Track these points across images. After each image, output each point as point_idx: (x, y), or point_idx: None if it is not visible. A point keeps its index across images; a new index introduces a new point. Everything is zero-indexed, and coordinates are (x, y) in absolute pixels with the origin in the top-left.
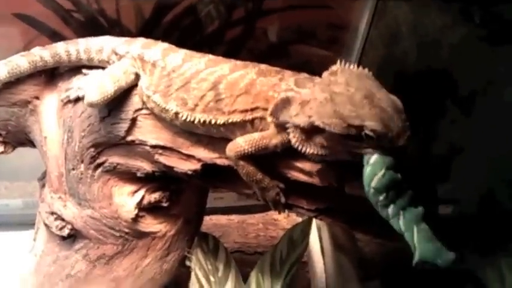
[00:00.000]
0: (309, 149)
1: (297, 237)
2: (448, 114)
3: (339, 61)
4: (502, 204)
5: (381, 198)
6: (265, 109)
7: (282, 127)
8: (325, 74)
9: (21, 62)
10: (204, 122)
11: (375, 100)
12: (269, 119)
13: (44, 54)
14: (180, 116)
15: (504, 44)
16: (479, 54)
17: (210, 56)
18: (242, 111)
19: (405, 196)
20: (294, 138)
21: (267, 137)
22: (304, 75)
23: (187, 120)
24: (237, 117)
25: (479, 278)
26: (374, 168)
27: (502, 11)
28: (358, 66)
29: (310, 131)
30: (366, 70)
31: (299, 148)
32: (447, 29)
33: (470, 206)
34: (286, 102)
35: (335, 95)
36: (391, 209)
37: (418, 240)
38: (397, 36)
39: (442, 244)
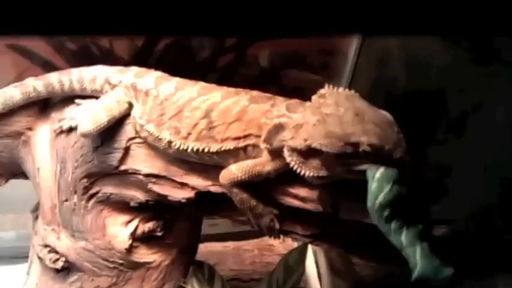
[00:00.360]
0: (308, 172)
1: (293, 263)
2: (439, 136)
3: (326, 85)
4: (495, 223)
5: (386, 213)
6: (258, 136)
7: (275, 153)
8: (314, 98)
9: (14, 93)
10: (198, 150)
11: (366, 117)
12: (263, 145)
13: (37, 85)
14: (173, 144)
15: (490, 64)
16: (467, 76)
17: (202, 84)
18: (235, 139)
19: (408, 212)
20: (293, 161)
21: (260, 164)
22: (295, 100)
23: (181, 148)
24: (230, 145)
25: None
26: (380, 183)
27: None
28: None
29: (307, 154)
30: (353, 91)
31: (298, 171)
32: (436, 52)
33: (464, 226)
34: (279, 128)
35: (327, 116)
36: (393, 224)
37: (420, 256)
38: (386, 60)
39: (439, 261)
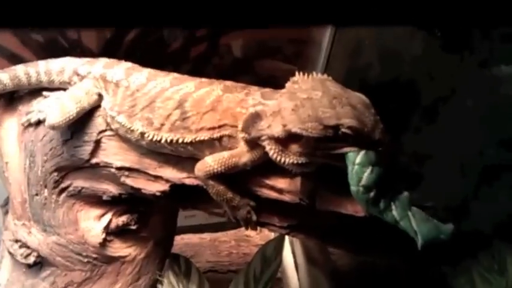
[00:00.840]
0: (288, 159)
1: (270, 254)
2: (412, 124)
3: (297, 72)
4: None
5: (371, 195)
6: (233, 126)
7: (253, 143)
8: (288, 84)
9: None
10: (171, 141)
11: (344, 100)
12: (241, 135)
13: (2, 77)
14: (146, 136)
15: (460, 51)
16: (439, 64)
17: (175, 75)
18: (209, 129)
19: (391, 187)
20: (272, 150)
21: (236, 155)
22: (269, 89)
23: (154, 139)
24: (204, 135)
25: (451, 286)
26: (361, 166)
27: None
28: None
29: (286, 141)
30: (325, 75)
31: (278, 159)
32: (408, 40)
33: (439, 214)
34: (255, 117)
35: (304, 100)
36: (382, 203)
37: (417, 223)
38: (360, 49)
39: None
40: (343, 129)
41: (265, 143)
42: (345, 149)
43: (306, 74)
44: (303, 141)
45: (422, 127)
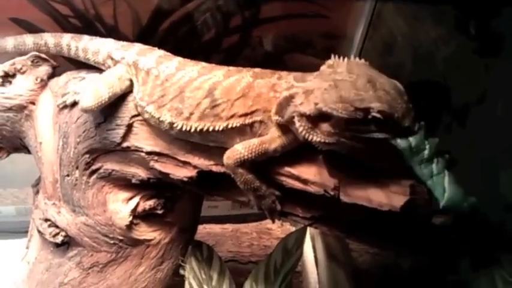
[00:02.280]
0: (316, 137)
1: (291, 247)
2: (442, 125)
3: (332, 55)
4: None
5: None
6: (265, 111)
7: (285, 128)
8: (323, 67)
9: (28, 40)
10: (201, 130)
11: (378, 84)
12: (274, 118)
13: (49, 41)
14: (175, 126)
15: (495, 56)
16: (472, 67)
17: (203, 64)
18: (241, 116)
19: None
20: (301, 127)
21: (266, 141)
22: (300, 73)
23: (183, 129)
24: (236, 122)
25: None
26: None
27: (497, 23)
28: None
29: (316, 119)
30: (363, 60)
31: (306, 136)
32: (441, 41)
33: (462, 217)
34: (289, 100)
35: (338, 81)
36: (426, 153)
37: (449, 182)
38: (392, 47)
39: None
40: (373, 113)
41: (295, 120)
42: (374, 134)
43: (342, 57)
44: (333, 121)
45: (452, 130)
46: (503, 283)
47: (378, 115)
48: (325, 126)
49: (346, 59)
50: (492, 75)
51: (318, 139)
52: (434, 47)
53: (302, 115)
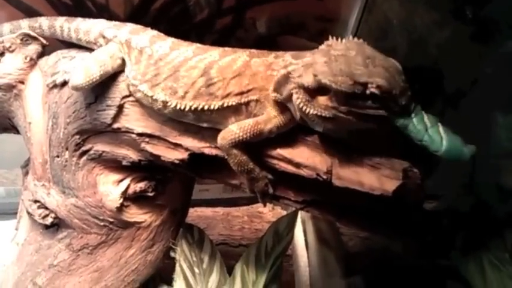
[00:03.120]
0: (313, 110)
1: (283, 230)
2: (435, 110)
3: (330, 36)
4: (484, 202)
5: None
6: (262, 90)
7: (282, 107)
8: (321, 46)
9: (24, 24)
10: (196, 109)
11: (376, 61)
12: (272, 95)
13: (43, 23)
14: (168, 104)
15: (491, 42)
16: (467, 52)
17: (198, 45)
18: (237, 94)
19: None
20: (298, 99)
21: (261, 122)
22: (298, 51)
23: (177, 108)
24: (232, 101)
25: (461, 273)
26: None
27: (493, 10)
28: None
29: (314, 92)
30: (361, 40)
31: (303, 109)
32: (436, 26)
33: (452, 202)
34: (288, 77)
35: (338, 56)
36: (414, 108)
37: (444, 131)
38: (387, 31)
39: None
40: (372, 89)
41: (293, 92)
42: (370, 111)
43: (340, 38)
44: (331, 95)
45: (444, 115)
46: (491, 267)
47: (376, 91)
48: (323, 100)
49: (344, 38)
50: (486, 60)
51: (315, 112)
52: (429, 31)
53: (300, 87)
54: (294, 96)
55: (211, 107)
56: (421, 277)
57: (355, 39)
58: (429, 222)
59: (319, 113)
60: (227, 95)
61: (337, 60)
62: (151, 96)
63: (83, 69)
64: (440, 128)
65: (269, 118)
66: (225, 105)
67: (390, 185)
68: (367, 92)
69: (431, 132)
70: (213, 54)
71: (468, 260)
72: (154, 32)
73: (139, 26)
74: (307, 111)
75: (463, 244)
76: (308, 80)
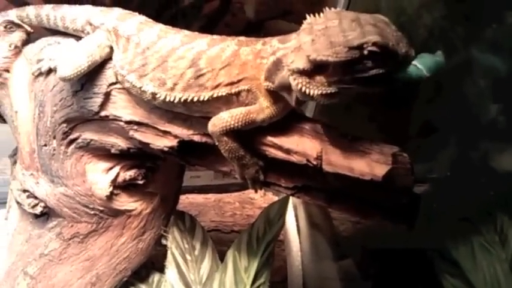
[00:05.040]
0: (316, 91)
1: (274, 216)
2: (424, 94)
3: (307, 15)
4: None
5: None
6: (253, 79)
7: (276, 95)
8: (303, 25)
9: (12, 14)
10: (186, 100)
11: (362, 21)
12: (264, 84)
13: (30, 13)
14: (157, 96)
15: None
16: (457, 33)
17: (186, 32)
18: (227, 84)
19: None
20: (299, 84)
21: (254, 111)
22: (284, 35)
23: (167, 100)
24: (222, 91)
25: (452, 256)
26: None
27: None
28: None
29: (312, 73)
30: (338, 9)
31: (306, 92)
32: (425, 7)
33: (443, 185)
34: (278, 64)
35: (323, 30)
36: None
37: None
38: (377, 13)
39: None
40: (368, 48)
41: (291, 79)
42: (373, 71)
43: (318, 14)
44: (330, 70)
45: (433, 99)
46: (481, 250)
47: (374, 48)
48: (323, 77)
49: (322, 12)
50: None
51: (319, 92)
52: (421, 12)
53: (296, 72)
54: (294, 83)
55: (201, 98)
56: (412, 260)
57: (332, 8)
58: (419, 206)
59: (324, 92)
60: (217, 86)
61: (323, 34)
62: (140, 88)
63: (70, 59)
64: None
65: (261, 108)
66: (215, 95)
67: (380, 169)
68: (365, 52)
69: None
70: (201, 43)
71: (458, 243)
72: (142, 18)
73: (126, 11)
74: (311, 93)
75: (453, 227)
76: (302, 62)
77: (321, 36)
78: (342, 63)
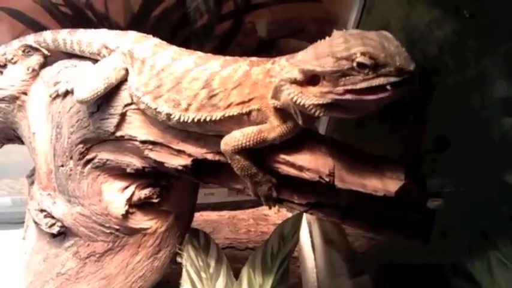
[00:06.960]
0: (309, 100)
1: (288, 233)
2: (438, 109)
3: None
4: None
5: None
6: (263, 98)
7: (284, 115)
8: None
9: (29, 39)
10: (199, 120)
11: (358, 36)
12: (271, 102)
13: (47, 37)
14: (172, 117)
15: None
16: (467, 49)
17: (199, 54)
18: (238, 104)
19: None
20: (291, 94)
21: (265, 130)
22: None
23: (181, 120)
24: (233, 111)
25: (468, 271)
26: None
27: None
28: None
29: (305, 83)
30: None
31: (298, 102)
32: (436, 24)
33: (458, 200)
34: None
35: (319, 44)
36: None
37: None
38: (387, 31)
39: None
40: (357, 59)
41: (284, 88)
42: (364, 84)
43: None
44: (322, 81)
45: (446, 115)
46: (499, 265)
47: (362, 59)
48: (316, 89)
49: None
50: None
51: (311, 102)
52: (429, 30)
53: (288, 82)
54: (286, 93)
55: (214, 118)
56: (428, 276)
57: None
58: (434, 221)
59: (315, 102)
60: (229, 105)
61: (317, 47)
62: (155, 109)
63: (86, 82)
64: None
65: (272, 127)
66: (227, 115)
67: (393, 185)
68: (354, 64)
69: None
70: (214, 64)
71: (475, 259)
72: (157, 41)
73: (141, 34)
74: (302, 102)
75: (470, 242)
76: (294, 73)
77: (313, 48)
78: (331, 73)
